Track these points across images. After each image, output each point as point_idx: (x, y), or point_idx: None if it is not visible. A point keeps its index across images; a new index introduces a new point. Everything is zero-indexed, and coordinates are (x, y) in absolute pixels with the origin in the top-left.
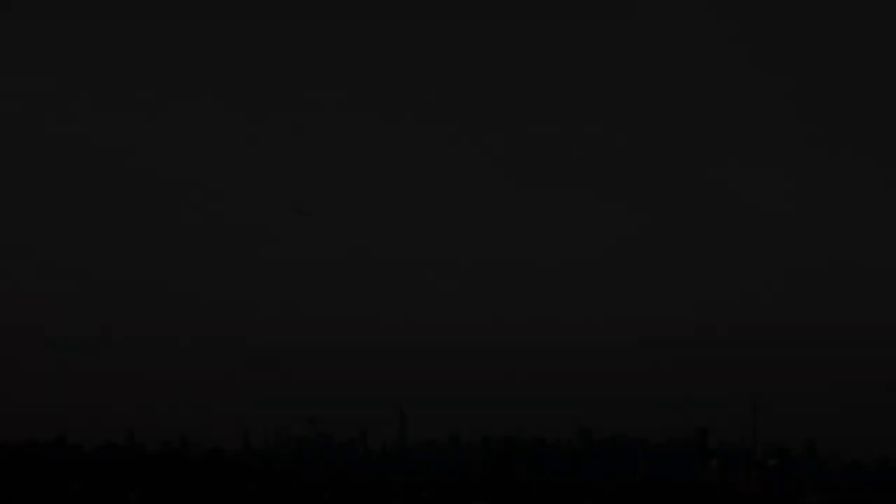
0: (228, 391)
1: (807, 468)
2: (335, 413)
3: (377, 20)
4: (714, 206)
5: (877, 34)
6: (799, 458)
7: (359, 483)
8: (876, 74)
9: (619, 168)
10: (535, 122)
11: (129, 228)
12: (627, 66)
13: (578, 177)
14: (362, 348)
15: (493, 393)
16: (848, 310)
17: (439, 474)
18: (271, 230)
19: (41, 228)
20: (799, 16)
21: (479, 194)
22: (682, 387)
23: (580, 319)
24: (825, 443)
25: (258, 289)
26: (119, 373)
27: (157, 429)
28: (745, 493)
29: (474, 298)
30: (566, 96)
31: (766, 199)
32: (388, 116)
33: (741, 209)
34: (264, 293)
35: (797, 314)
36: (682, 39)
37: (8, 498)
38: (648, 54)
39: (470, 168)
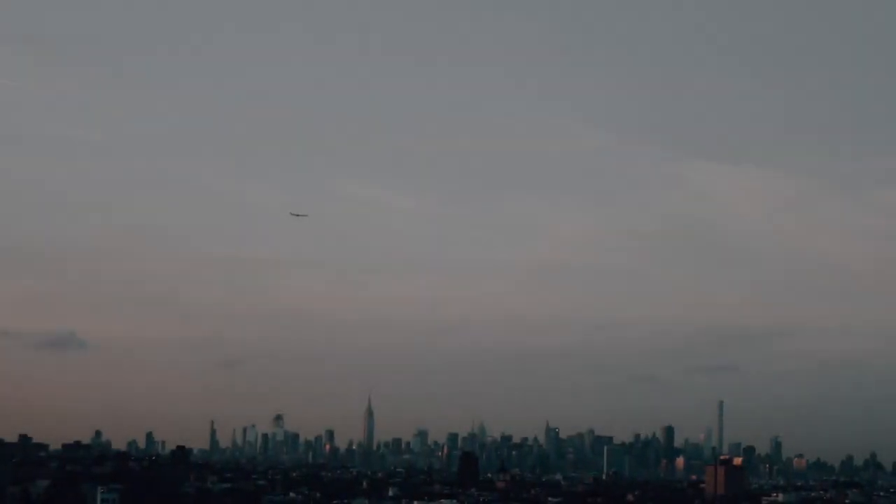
0: (195, 390)
1: (772, 466)
2: (302, 411)
3: None
4: (681, 215)
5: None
6: (765, 457)
7: (325, 481)
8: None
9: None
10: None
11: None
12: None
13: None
14: (330, 348)
15: (460, 392)
16: (818, 310)
17: (406, 472)
18: (238, 231)
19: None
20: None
21: (445, 197)
22: (650, 386)
23: (546, 319)
24: (790, 442)
25: (227, 290)
26: (86, 372)
27: (124, 427)
28: (711, 490)
29: (441, 299)
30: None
31: (737, 208)
32: None
33: (709, 220)
34: (233, 294)
35: (762, 318)
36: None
37: None
38: None
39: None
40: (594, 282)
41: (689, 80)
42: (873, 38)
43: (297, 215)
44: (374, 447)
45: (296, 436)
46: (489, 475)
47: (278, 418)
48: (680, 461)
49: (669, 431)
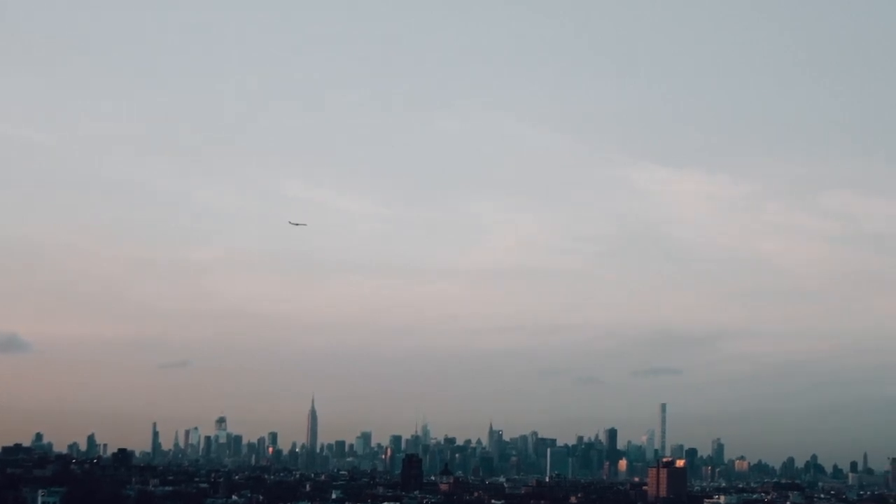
0: (138, 392)
1: (714, 468)
2: (245, 413)
3: None
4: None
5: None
6: (707, 459)
7: (268, 483)
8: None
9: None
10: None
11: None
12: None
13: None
14: (274, 349)
15: (404, 394)
16: (761, 314)
17: (349, 474)
18: (183, 232)
19: None
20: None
21: (393, 199)
22: (593, 389)
23: (491, 322)
24: (732, 444)
25: (171, 291)
26: (27, 373)
27: (66, 429)
28: (653, 492)
29: (385, 300)
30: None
31: (684, 211)
32: None
33: (655, 223)
34: (177, 295)
35: (706, 321)
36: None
37: None
38: None
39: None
40: (540, 284)
41: (639, 84)
42: (821, 43)
43: (296, 224)
44: (318, 449)
45: (239, 438)
46: (433, 477)
47: (221, 420)
48: (623, 463)
49: (612, 434)
